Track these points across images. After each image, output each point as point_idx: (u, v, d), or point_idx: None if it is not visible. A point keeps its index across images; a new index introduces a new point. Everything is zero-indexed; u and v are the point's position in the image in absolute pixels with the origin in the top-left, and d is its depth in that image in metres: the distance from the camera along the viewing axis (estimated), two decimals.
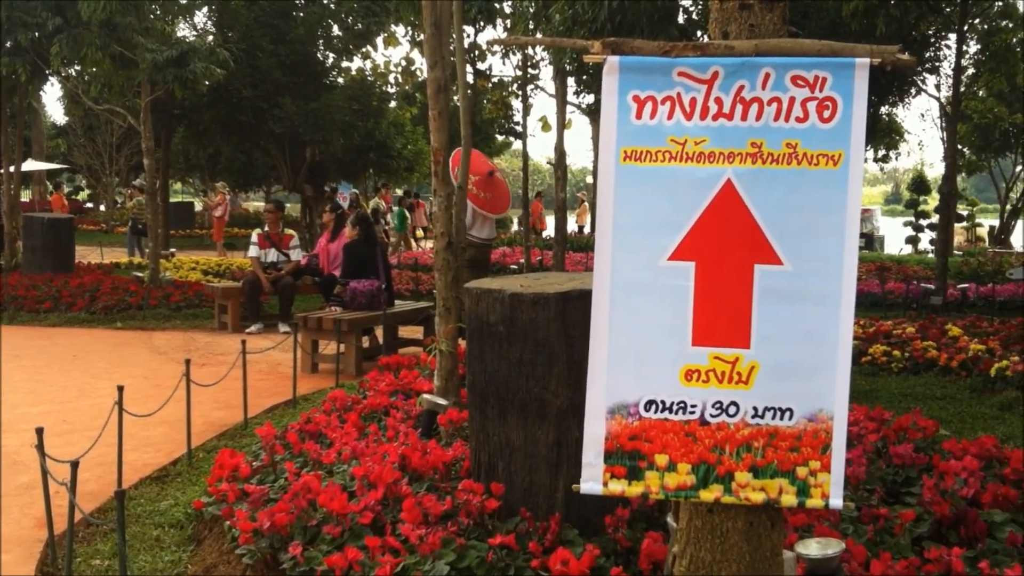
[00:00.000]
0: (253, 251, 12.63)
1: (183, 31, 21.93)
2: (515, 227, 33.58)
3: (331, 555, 3.84)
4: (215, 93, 19.80)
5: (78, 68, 17.81)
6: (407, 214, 28.28)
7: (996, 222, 33.73)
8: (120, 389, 5.36)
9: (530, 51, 17.76)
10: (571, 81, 16.52)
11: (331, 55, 23.48)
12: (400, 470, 4.72)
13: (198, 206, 37.21)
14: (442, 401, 5.76)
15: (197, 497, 5.17)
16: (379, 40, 22.91)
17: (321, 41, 22.85)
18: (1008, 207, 32.39)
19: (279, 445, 5.52)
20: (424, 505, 4.16)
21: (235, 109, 20.67)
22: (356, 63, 28.91)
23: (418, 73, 20.67)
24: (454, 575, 3.73)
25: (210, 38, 20.19)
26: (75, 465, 4.05)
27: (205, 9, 22.16)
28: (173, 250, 21.63)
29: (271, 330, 12.00)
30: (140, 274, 15.78)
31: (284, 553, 4.03)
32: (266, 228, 12.73)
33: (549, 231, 29.59)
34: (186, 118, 22.15)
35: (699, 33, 10.86)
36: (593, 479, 2.91)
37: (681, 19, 11.12)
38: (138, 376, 9.04)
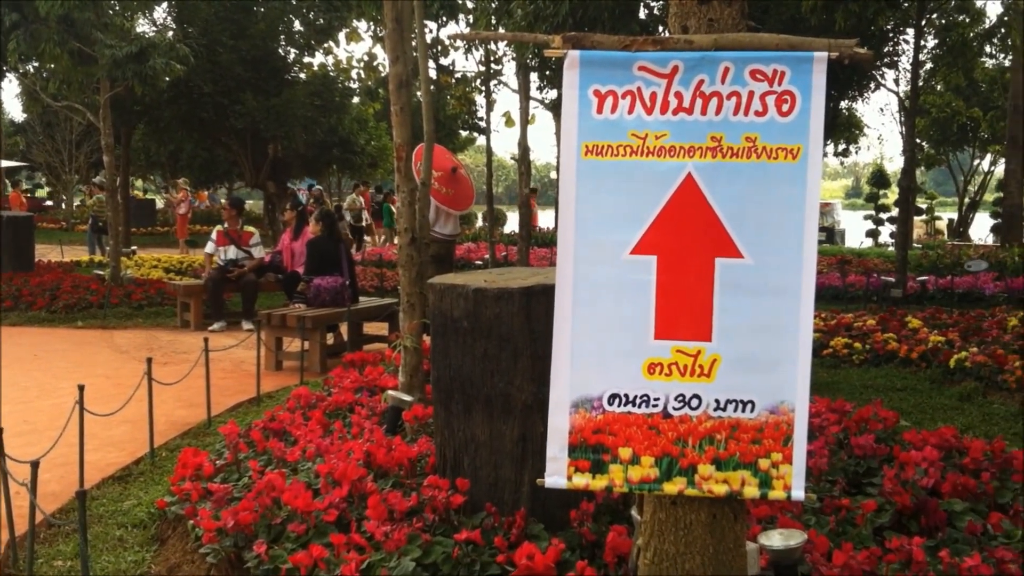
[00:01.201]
0: (209, 247, 12.72)
1: (142, 27, 21.74)
2: (479, 223, 33.53)
3: (296, 553, 3.82)
4: (175, 89, 19.64)
5: (36, 64, 17.60)
6: (392, 209, 28.09)
7: (955, 215, 34.14)
8: (81, 388, 5.31)
9: (493, 46, 17.75)
10: (534, 76, 16.51)
11: (292, 51, 23.37)
12: (365, 467, 4.71)
13: (159, 203, 36.91)
14: (407, 397, 5.75)
15: (160, 496, 5.13)
16: (341, 35, 22.83)
17: (282, 36, 22.73)
18: (966, 200, 32.80)
19: (243, 443, 5.50)
20: (389, 502, 4.15)
21: (196, 105, 20.51)
22: (318, 59, 28.78)
23: (381, 69, 20.60)
24: (420, 571, 3.73)
25: (170, 34, 19.99)
26: (35, 465, 4.01)
27: (164, 4, 21.97)
28: (134, 248, 21.43)
29: (234, 328, 11.93)
30: (101, 272, 15.62)
31: (248, 552, 4.01)
32: (226, 225, 12.67)
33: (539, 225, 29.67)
34: (146, 114, 21.95)
35: (660, 28, 10.91)
36: (558, 473, 2.91)
37: (642, 14, 11.16)
38: (100, 375, 8.95)
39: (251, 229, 12.88)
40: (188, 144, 27.61)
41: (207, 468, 5.07)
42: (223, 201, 28.73)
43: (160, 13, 23.03)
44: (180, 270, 18.18)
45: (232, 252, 12.40)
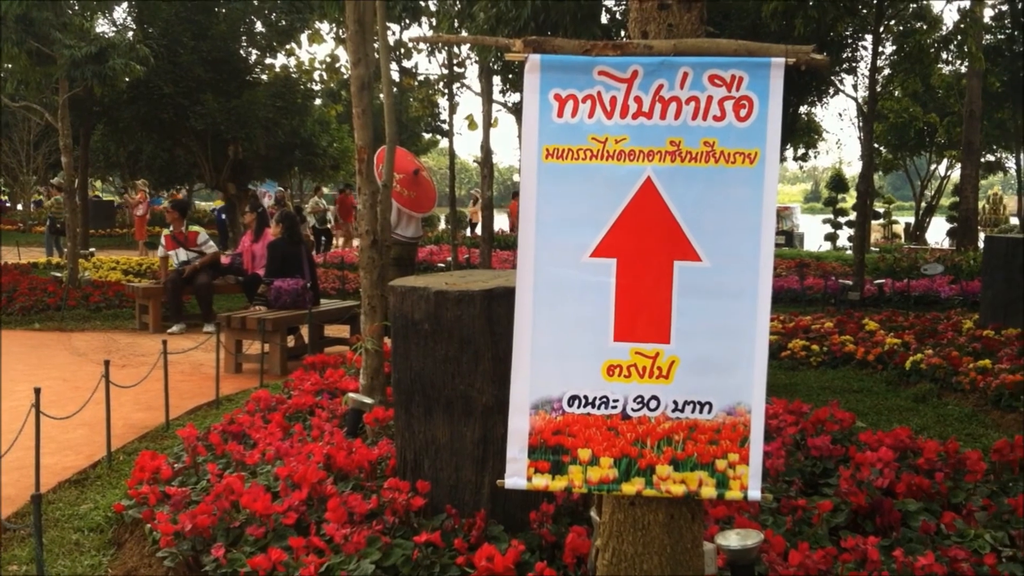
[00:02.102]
0: (160, 251, 12.78)
1: (102, 27, 21.52)
2: (442, 225, 33.50)
3: (254, 556, 3.81)
4: (135, 90, 19.48)
5: None
6: None
7: (911, 219, 34.56)
8: (37, 391, 5.24)
9: (456, 49, 17.75)
10: (497, 80, 16.54)
11: (254, 52, 23.22)
12: (325, 470, 4.70)
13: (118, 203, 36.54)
14: (368, 400, 5.75)
15: (117, 500, 5.08)
16: (303, 37, 22.73)
17: (244, 37, 22.59)
18: (923, 204, 33.22)
19: (201, 446, 5.46)
20: (349, 504, 4.15)
21: (156, 106, 20.34)
22: (280, 60, 28.64)
23: (343, 70, 20.53)
24: (379, 574, 3.73)
25: (130, 34, 19.80)
26: None
27: (124, 4, 21.76)
28: (92, 250, 21.20)
29: (194, 330, 11.84)
30: (59, 274, 15.44)
31: (206, 555, 3.99)
32: (171, 229, 12.63)
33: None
34: (105, 115, 21.73)
35: (622, 32, 10.97)
36: (517, 474, 2.93)
37: (604, 19, 11.21)
38: (57, 378, 8.85)
39: (196, 229, 12.82)
40: (148, 145, 27.34)
41: (165, 471, 5.03)
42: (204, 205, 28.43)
43: (120, 13, 22.82)
44: (139, 272, 18.01)
45: (183, 254, 12.37)
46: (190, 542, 4.12)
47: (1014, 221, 31.21)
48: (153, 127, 21.82)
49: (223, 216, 21.12)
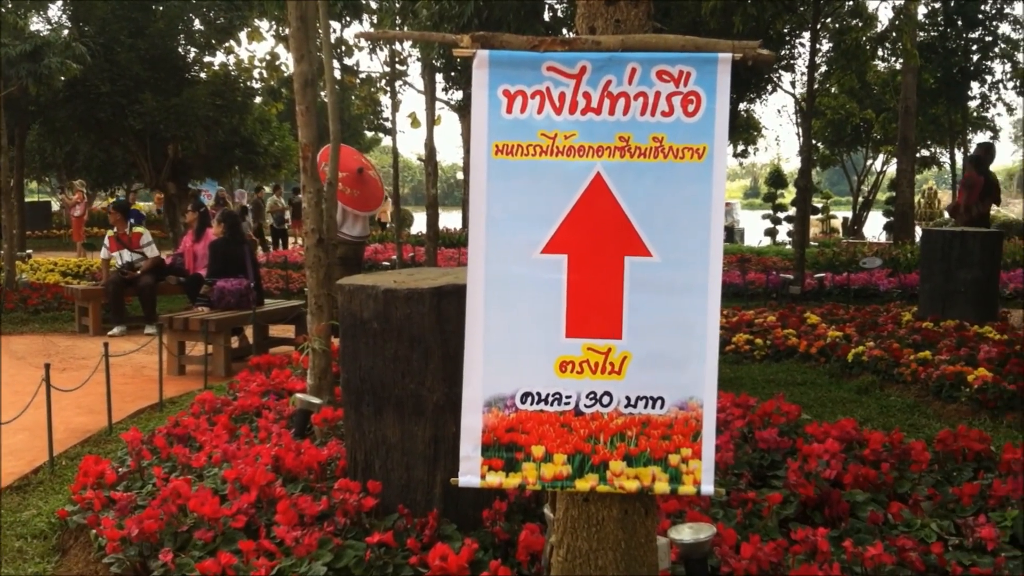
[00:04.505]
0: (103, 253, 12.52)
1: (37, 25, 21.10)
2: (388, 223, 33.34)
3: (203, 561, 3.76)
4: (71, 89, 19.10)
5: None
6: None
7: (849, 214, 35.09)
8: None
9: (398, 47, 17.69)
10: (439, 77, 16.49)
11: (193, 50, 22.91)
12: (274, 471, 4.65)
13: (55, 206, 35.93)
14: (316, 400, 5.70)
15: (61, 506, 4.99)
16: (242, 35, 22.49)
17: (182, 35, 22.27)
18: (860, 199, 33.75)
19: (146, 450, 5.38)
20: (299, 506, 4.11)
21: (93, 105, 19.98)
22: (219, 58, 28.29)
23: (283, 68, 20.37)
24: (331, 575, 3.70)
25: (65, 32, 19.43)
26: None
27: (59, 2, 21.36)
28: (30, 251, 20.81)
29: (135, 332, 11.66)
30: None
31: (154, 560, 3.93)
32: (115, 230, 12.45)
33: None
34: (41, 115, 21.31)
35: (564, 30, 11.00)
36: (471, 472, 2.91)
37: (547, 16, 11.23)
38: None
39: (140, 230, 12.66)
40: (85, 145, 26.85)
41: (109, 476, 4.95)
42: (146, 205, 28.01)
43: (55, 11, 22.40)
44: (77, 274, 17.71)
45: (126, 255, 12.20)
46: (137, 547, 4.05)
47: (948, 215, 31.79)
48: (90, 126, 21.44)
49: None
